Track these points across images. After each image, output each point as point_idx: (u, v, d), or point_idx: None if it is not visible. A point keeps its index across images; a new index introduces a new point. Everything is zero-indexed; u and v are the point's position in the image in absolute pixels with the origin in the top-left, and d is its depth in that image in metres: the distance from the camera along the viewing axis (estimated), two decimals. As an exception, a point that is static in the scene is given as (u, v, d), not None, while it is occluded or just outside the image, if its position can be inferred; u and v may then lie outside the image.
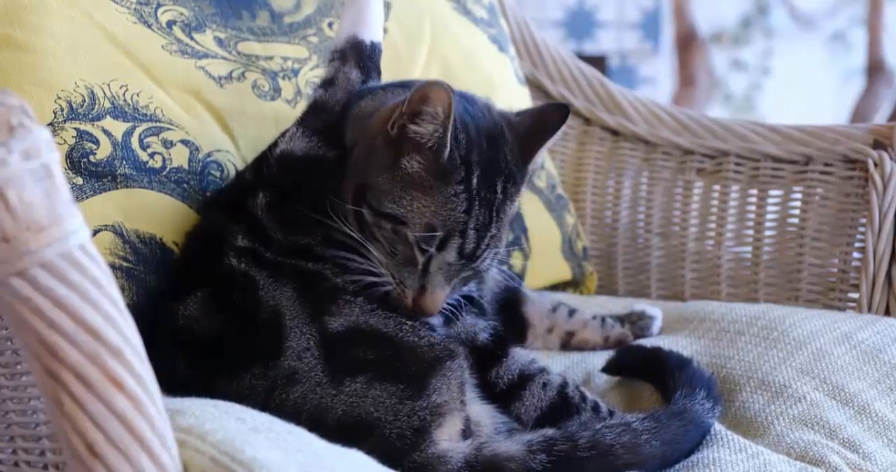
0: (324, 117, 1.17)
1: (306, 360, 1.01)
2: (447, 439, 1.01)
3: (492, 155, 1.09)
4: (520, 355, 1.16)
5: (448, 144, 1.05)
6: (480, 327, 1.15)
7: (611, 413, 1.14)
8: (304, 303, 1.04)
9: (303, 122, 1.17)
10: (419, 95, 1.04)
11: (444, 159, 1.06)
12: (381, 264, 1.07)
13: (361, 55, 1.20)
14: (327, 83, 1.20)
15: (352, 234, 1.07)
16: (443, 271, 1.07)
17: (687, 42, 3.85)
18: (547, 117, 1.15)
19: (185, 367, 1.04)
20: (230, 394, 0.95)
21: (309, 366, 1.01)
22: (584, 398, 1.15)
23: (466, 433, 1.04)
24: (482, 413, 1.08)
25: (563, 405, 1.13)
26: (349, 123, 1.15)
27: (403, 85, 1.19)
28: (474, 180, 1.07)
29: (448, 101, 1.03)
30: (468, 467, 0.99)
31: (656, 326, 1.43)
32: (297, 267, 1.06)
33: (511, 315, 1.33)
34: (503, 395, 1.12)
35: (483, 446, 1.01)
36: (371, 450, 0.91)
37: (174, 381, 0.91)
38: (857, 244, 1.51)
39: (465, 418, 1.04)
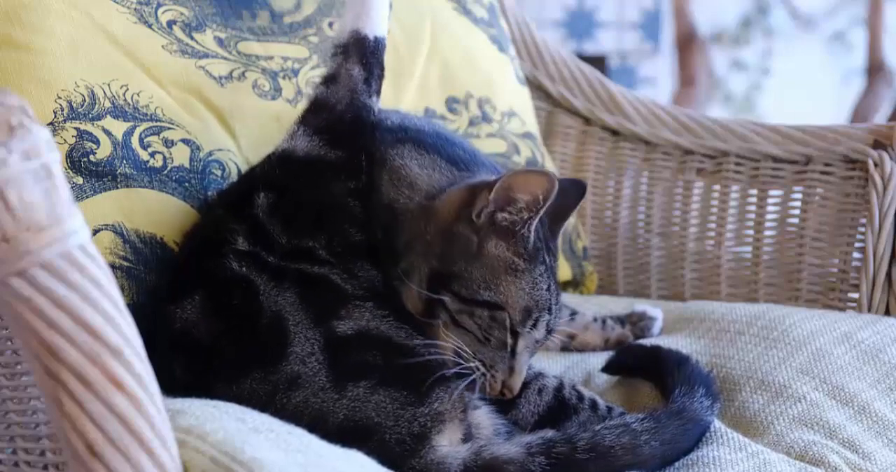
0: (325, 116, 1.16)
1: (310, 365, 1.00)
2: (447, 444, 1.01)
3: (543, 233, 1.10)
4: None
5: (534, 229, 1.06)
6: None
7: (609, 410, 1.14)
8: (308, 308, 1.03)
9: (304, 120, 1.16)
10: (508, 185, 1.04)
11: (531, 243, 1.07)
12: (464, 353, 1.06)
13: (364, 51, 1.18)
14: (329, 80, 1.18)
15: (420, 312, 1.06)
16: (529, 349, 1.08)
17: (687, 42, 3.85)
18: (568, 195, 1.16)
19: (182, 370, 1.03)
20: (230, 398, 0.94)
21: (313, 371, 1.00)
22: (581, 397, 1.14)
23: (467, 438, 1.04)
24: (481, 415, 1.08)
25: (560, 408, 1.13)
26: (388, 171, 1.13)
27: (451, 160, 1.16)
28: (548, 258, 1.09)
29: (552, 188, 1.04)
30: (467, 471, 0.99)
31: (657, 327, 1.43)
32: (300, 272, 1.05)
33: None
34: (499, 403, 1.12)
35: (482, 449, 1.01)
36: (370, 455, 0.91)
37: (172, 384, 0.90)
38: (857, 244, 1.51)
39: (466, 425, 1.04)
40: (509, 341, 1.07)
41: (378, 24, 1.19)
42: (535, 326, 1.07)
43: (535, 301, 1.07)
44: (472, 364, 1.06)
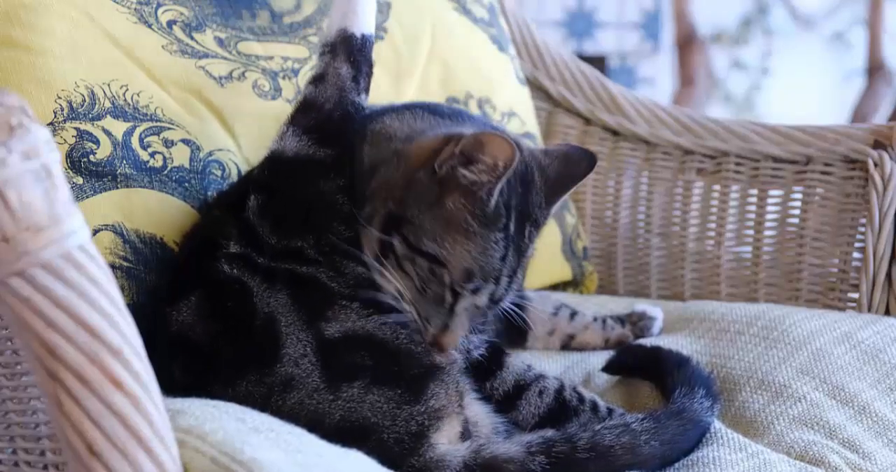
0: (315, 115, 1.15)
1: (303, 366, 1.00)
2: (446, 442, 1.01)
3: (524, 200, 1.08)
4: (515, 365, 1.16)
5: (496, 193, 1.04)
6: (475, 345, 1.14)
7: (609, 411, 1.14)
8: (299, 309, 1.03)
9: (293, 120, 1.16)
10: (477, 142, 1.03)
11: (491, 207, 1.05)
12: (403, 296, 1.06)
13: (352, 49, 1.17)
14: (317, 79, 1.17)
15: (373, 263, 1.06)
16: (468, 312, 1.07)
17: (687, 42, 3.85)
18: (575, 164, 1.14)
19: (180, 372, 1.03)
20: (227, 400, 0.93)
21: (306, 372, 1.00)
22: (581, 399, 1.14)
23: (465, 434, 1.03)
24: (480, 414, 1.08)
25: (560, 410, 1.13)
26: (369, 139, 1.13)
27: (431, 110, 1.17)
28: (511, 227, 1.07)
29: (512, 157, 1.02)
30: (467, 469, 0.99)
31: (657, 326, 1.43)
32: (290, 272, 1.05)
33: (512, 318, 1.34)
34: (500, 405, 1.12)
35: (482, 448, 1.01)
36: (369, 455, 0.91)
37: (171, 385, 0.90)
38: (857, 244, 1.51)
39: (463, 420, 1.04)
40: (448, 298, 1.06)
41: (365, 22, 1.19)
42: (476, 291, 1.06)
43: (480, 266, 1.05)
44: (406, 308, 1.06)
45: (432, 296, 1.06)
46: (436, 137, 1.09)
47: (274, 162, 1.14)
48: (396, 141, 1.12)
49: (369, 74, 1.19)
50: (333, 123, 1.15)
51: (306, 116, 1.15)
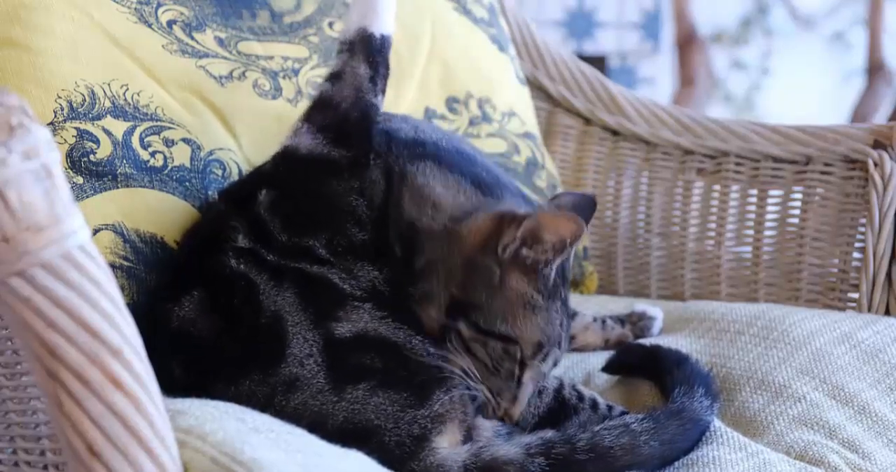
0: (330, 114, 1.15)
1: (308, 367, 1.00)
2: (447, 446, 1.01)
3: (563, 266, 1.10)
4: None
5: (555, 269, 1.06)
6: None
7: (609, 409, 1.14)
8: (307, 309, 1.03)
9: (308, 117, 1.15)
10: (538, 225, 1.04)
11: (551, 280, 1.06)
12: (470, 375, 1.06)
13: (370, 49, 1.17)
14: (334, 77, 1.17)
15: (449, 347, 1.06)
16: (535, 380, 1.09)
17: (687, 42, 3.85)
18: (582, 211, 1.15)
19: (181, 370, 1.03)
20: (228, 399, 0.94)
21: (311, 373, 1.00)
22: (581, 397, 1.15)
23: (466, 438, 1.03)
24: (481, 416, 1.08)
25: (560, 408, 1.13)
26: (408, 186, 1.11)
27: (476, 182, 1.14)
28: (563, 290, 1.09)
29: (580, 230, 1.03)
30: None
31: (657, 326, 1.43)
32: (299, 271, 1.05)
33: None
34: None
35: (482, 450, 1.01)
36: (369, 456, 0.91)
37: (169, 385, 0.90)
38: (857, 244, 1.51)
39: (466, 426, 1.04)
40: (517, 372, 1.07)
41: (385, 23, 1.18)
42: (544, 359, 1.08)
43: (548, 337, 1.07)
44: (478, 387, 1.06)
45: (504, 373, 1.07)
46: (488, 220, 1.09)
47: (287, 158, 1.13)
48: (442, 215, 1.10)
49: (386, 76, 1.19)
50: (349, 124, 1.14)
51: (322, 114, 1.15)
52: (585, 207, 1.16)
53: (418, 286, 1.08)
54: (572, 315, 1.13)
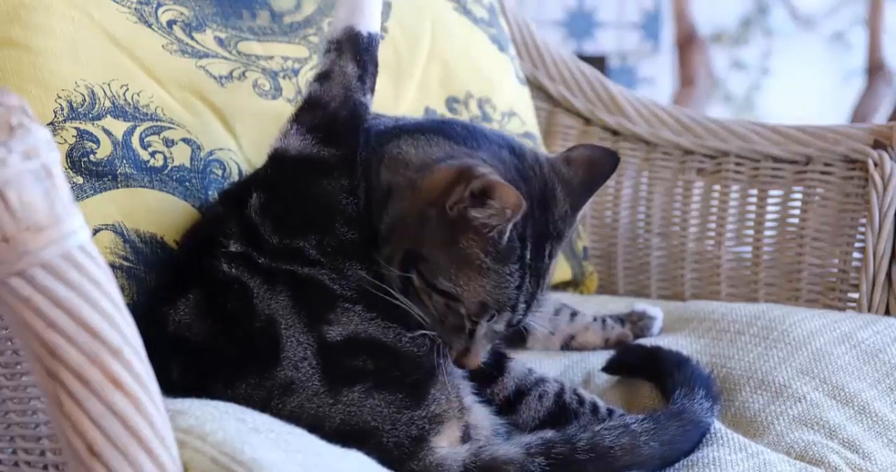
0: (319, 114, 1.14)
1: (303, 370, 1.00)
2: (446, 445, 1.01)
3: (543, 221, 1.08)
4: (516, 370, 1.16)
5: (508, 232, 1.04)
6: None
7: (610, 412, 1.14)
8: (300, 311, 1.02)
9: (297, 118, 1.14)
10: (486, 186, 1.01)
11: (504, 244, 1.04)
12: (425, 321, 1.06)
13: (358, 47, 1.16)
14: (322, 77, 1.16)
15: (397, 298, 1.06)
16: (487, 336, 1.08)
17: (687, 42, 3.85)
18: (599, 166, 1.13)
19: (179, 373, 1.02)
20: (226, 402, 0.94)
21: (306, 376, 1.00)
22: (581, 401, 1.14)
23: (465, 438, 1.03)
24: (480, 415, 1.08)
25: (560, 412, 1.13)
26: (386, 161, 1.11)
27: (446, 134, 1.14)
28: (527, 255, 1.06)
29: (518, 206, 1.01)
30: None
31: (657, 326, 1.43)
32: (291, 273, 1.05)
33: None
34: (500, 409, 1.12)
35: (481, 450, 1.01)
36: (368, 457, 0.91)
37: (170, 386, 0.89)
38: (857, 244, 1.51)
39: (464, 424, 1.04)
40: (467, 326, 1.06)
41: (371, 21, 1.17)
42: (492, 319, 1.07)
43: (495, 299, 1.05)
44: (430, 333, 1.06)
45: (451, 325, 1.07)
46: (447, 171, 1.07)
47: (276, 160, 1.13)
48: (411, 170, 1.10)
49: (375, 74, 1.18)
50: (339, 123, 1.13)
51: (311, 114, 1.14)
52: (603, 162, 1.13)
53: (384, 250, 1.08)
54: (544, 283, 1.09)
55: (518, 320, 1.08)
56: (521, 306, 1.07)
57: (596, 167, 1.13)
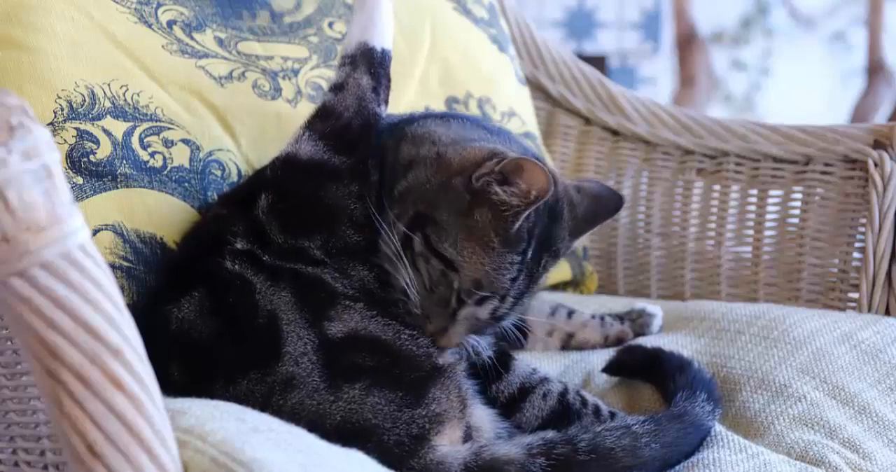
0: (332, 122, 1.16)
1: (304, 365, 1.00)
2: (447, 444, 1.01)
3: (548, 231, 1.11)
4: (521, 368, 1.16)
5: (522, 218, 1.06)
6: (483, 347, 1.15)
7: (612, 415, 1.14)
8: (302, 308, 1.03)
9: (310, 125, 1.16)
10: (518, 166, 1.05)
11: (514, 229, 1.07)
12: (411, 288, 1.08)
13: (372, 61, 1.19)
14: (337, 88, 1.19)
15: (395, 249, 1.08)
16: (468, 321, 1.09)
17: (687, 42, 3.85)
18: (604, 203, 1.17)
19: (180, 371, 1.03)
20: (227, 399, 0.94)
21: (307, 372, 1.00)
22: (584, 402, 1.15)
23: (467, 438, 1.04)
24: (483, 418, 1.08)
25: (563, 413, 1.13)
26: (409, 138, 1.15)
27: (481, 125, 1.20)
28: (529, 253, 1.09)
29: (546, 190, 1.04)
30: (467, 471, 0.99)
31: (656, 324, 1.43)
32: (294, 271, 1.06)
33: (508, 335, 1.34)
34: (504, 407, 1.13)
35: (482, 449, 1.01)
36: (368, 455, 0.91)
37: (168, 385, 0.90)
38: (857, 244, 1.51)
39: (465, 425, 1.04)
40: (453, 302, 1.08)
41: (384, 37, 1.21)
42: (480, 302, 1.08)
43: (491, 281, 1.07)
44: (412, 301, 1.08)
45: (438, 297, 1.08)
46: (481, 150, 1.11)
47: (287, 164, 1.14)
48: (440, 145, 1.13)
49: (388, 87, 1.21)
50: (352, 132, 1.16)
51: (324, 122, 1.16)
52: (605, 199, 1.17)
53: (394, 209, 1.10)
54: (533, 288, 1.12)
55: (502, 312, 1.10)
56: (510, 299, 1.09)
57: (602, 203, 1.17)
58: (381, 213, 1.11)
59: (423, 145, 1.14)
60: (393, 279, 1.09)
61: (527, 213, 1.06)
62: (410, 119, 1.20)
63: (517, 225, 1.06)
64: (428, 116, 1.21)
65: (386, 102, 1.20)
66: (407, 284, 1.08)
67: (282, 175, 1.14)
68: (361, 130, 1.16)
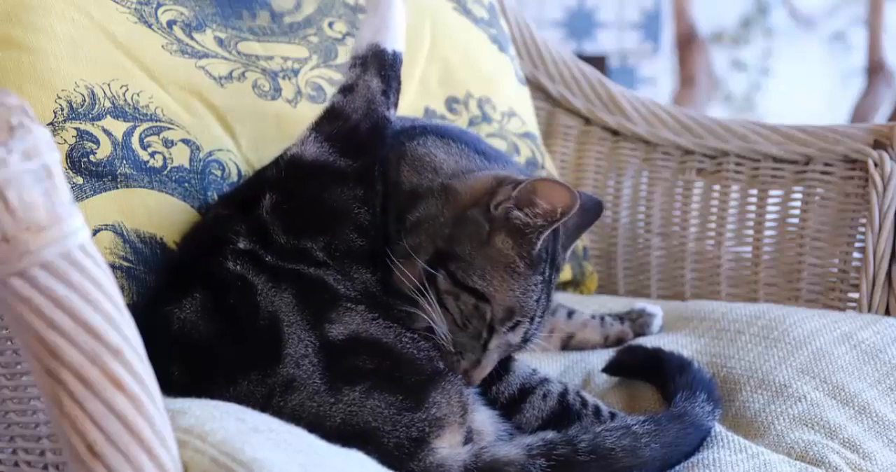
0: (339, 124, 1.15)
1: (304, 367, 1.00)
2: (447, 446, 1.01)
3: (554, 247, 1.11)
4: (521, 369, 1.16)
5: (543, 238, 1.07)
6: None
7: (612, 416, 1.14)
8: (303, 310, 1.03)
9: (317, 127, 1.16)
10: (533, 187, 1.05)
11: (536, 251, 1.07)
12: (441, 326, 1.07)
13: (383, 64, 1.19)
14: (346, 90, 1.18)
15: (417, 287, 1.07)
16: (500, 349, 1.09)
17: (687, 42, 3.85)
18: (587, 212, 1.17)
19: (180, 371, 1.03)
20: (227, 400, 0.94)
21: (307, 374, 1.00)
22: (584, 403, 1.15)
23: (467, 441, 1.03)
24: (484, 421, 1.08)
25: (563, 413, 1.13)
26: (408, 159, 1.15)
27: (478, 150, 1.19)
28: (547, 270, 1.09)
29: (572, 203, 1.05)
30: None
31: (656, 324, 1.43)
32: (296, 272, 1.06)
33: None
34: (505, 408, 1.13)
35: (482, 451, 1.01)
36: (368, 457, 0.91)
37: (169, 385, 0.90)
38: (857, 244, 1.51)
39: (466, 429, 1.04)
40: (485, 334, 1.07)
41: (396, 39, 1.21)
42: (513, 328, 1.08)
43: (521, 306, 1.07)
44: (442, 339, 1.07)
45: (471, 332, 1.08)
46: (486, 178, 1.11)
47: (292, 165, 1.14)
48: (443, 175, 1.13)
49: (398, 91, 1.20)
50: (359, 135, 1.15)
51: (331, 124, 1.16)
52: (590, 209, 1.18)
53: (408, 241, 1.09)
54: (556, 310, 1.13)
55: (531, 335, 1.10)
56: (537, 319, 1.10)
57: (586, 214, 1.17)
58: (387, 241, 1.10)
59: (424, 173, 1.14)
60: (414, 320, 1.08)
61: (549, 230, 1.06)
62: (411, 133, 1.19)
63: (538, 246, 1.07)
64: (427, 130, 1.20)
65: (395, 106, 1.20)
66: (435, 322, 1.07)
67: (286, 176, 1.13)
68: (369, 134, 1.16)
